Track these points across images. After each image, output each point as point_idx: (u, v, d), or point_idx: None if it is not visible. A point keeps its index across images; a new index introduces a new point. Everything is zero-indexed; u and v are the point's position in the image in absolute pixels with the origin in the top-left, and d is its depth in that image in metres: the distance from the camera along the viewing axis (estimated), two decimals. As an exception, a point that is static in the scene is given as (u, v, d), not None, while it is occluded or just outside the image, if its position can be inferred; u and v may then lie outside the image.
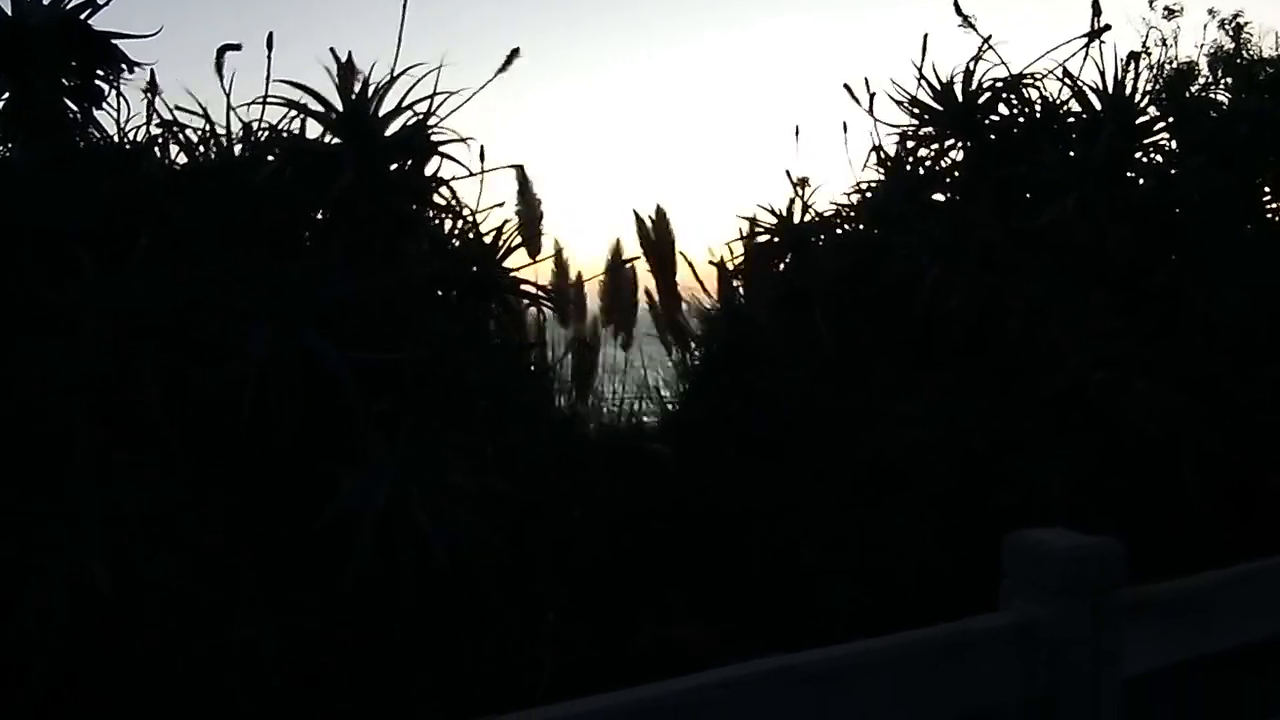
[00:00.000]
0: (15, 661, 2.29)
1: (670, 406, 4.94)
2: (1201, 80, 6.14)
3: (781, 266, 4.56)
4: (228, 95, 3.19)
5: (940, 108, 4.43)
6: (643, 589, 3.52)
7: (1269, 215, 4.51)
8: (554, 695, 1.24)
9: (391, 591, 2.60)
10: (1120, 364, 3.55)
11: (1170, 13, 7.31)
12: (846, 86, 4.55)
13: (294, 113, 3.31)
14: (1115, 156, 4.07)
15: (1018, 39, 4.96)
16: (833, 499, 3.61)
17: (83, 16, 3.12)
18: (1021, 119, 4.41)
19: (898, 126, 4.54)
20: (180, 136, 3.20)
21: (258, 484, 2.61)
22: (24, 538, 2.35)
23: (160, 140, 3.19)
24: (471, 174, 3.48)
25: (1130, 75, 4.25)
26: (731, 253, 4.84)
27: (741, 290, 4.77)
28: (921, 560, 3.42)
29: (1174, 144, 4.44)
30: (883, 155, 4.58)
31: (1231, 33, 7.34)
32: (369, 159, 3.27)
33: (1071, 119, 4.34)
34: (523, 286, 3.74)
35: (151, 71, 3.18)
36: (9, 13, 3.03)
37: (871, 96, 4.52)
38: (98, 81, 3.17)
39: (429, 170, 3.46)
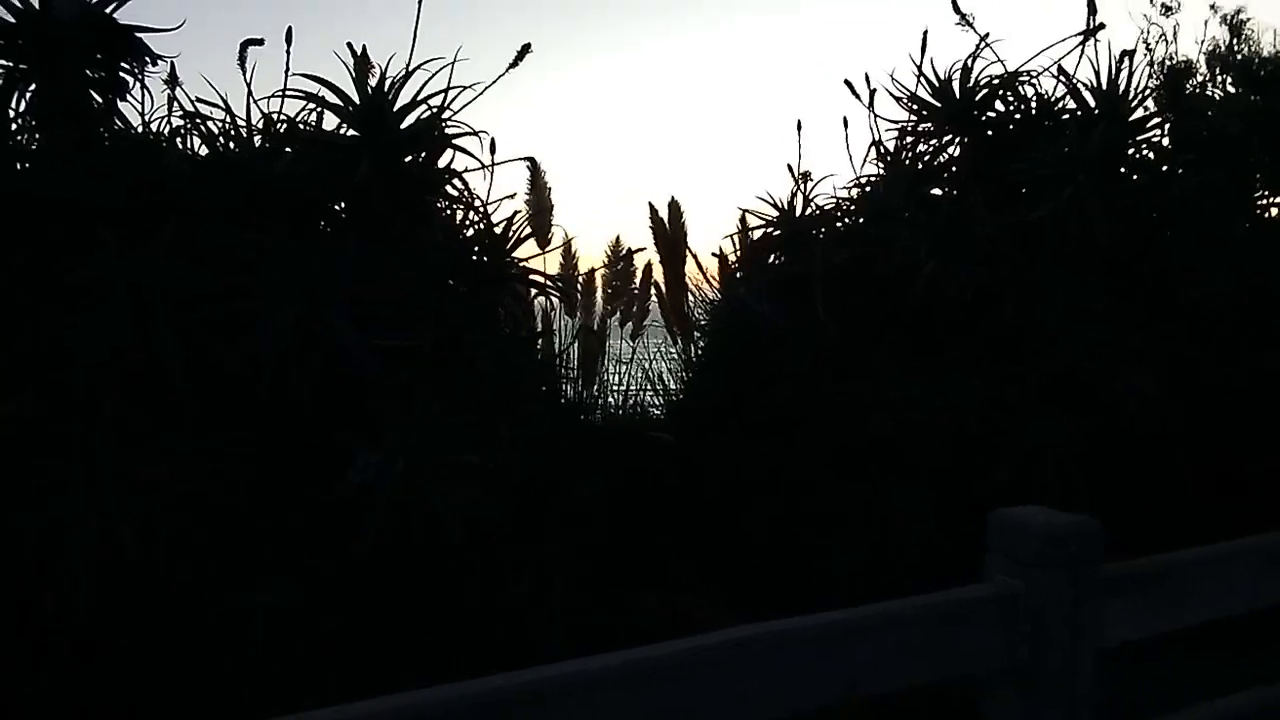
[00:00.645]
0: (49, 625, 2.38)
1: (676, 397, 5.02)
2: (1200, 78, 6.21)
3: (783, 258, 4.64)
4: (249, 88, 3.31)
5: (938, 104, 4.51)
6: (650, 562, 3.61)
7: (1259, 211, 4.59)
8: (562, 656, 1.28)
9: (407, 559, 2.69)
10: (1110, 349, 3.63)
11: (1167, 9, 7.37)
12: (848, 83, 4.64)
13: (312, 105, 3.43)
14: (1108, 152, 4.15)
15: (1014, 37, 5.05)
16: (834, 476, 3.69)
17: (108, 10, 3.23)
18: (1017, 115, 4.50)
19: (897, 122, 4.64)
20: (202, 128, 3.32)
21: (278, 454, 2.71)
22: (56, 505, 2.45)
23: (182, 131, 3.31)
24: (483, 166, 3.59)
25: (1124, 73, 4.33)
26: (735, 245, 4.94)
27: (743, 280, 4.84)
28: (919, 535, 3.50)
29: (1167, 140, 4.53)
30: (882, 150, 4.66)
31: (1232, 28, 7.39)
32: (384, 151, 3.36)
33: (1066, 115, 4.41)
34: (532, 276, 3.84)
35: (172, 64, 3.30)
36: (38, 6, 3.14)
37: (872, 93, 4.61)
38: (122, 73, 3.28)
39: (442, 162, 3.56)
